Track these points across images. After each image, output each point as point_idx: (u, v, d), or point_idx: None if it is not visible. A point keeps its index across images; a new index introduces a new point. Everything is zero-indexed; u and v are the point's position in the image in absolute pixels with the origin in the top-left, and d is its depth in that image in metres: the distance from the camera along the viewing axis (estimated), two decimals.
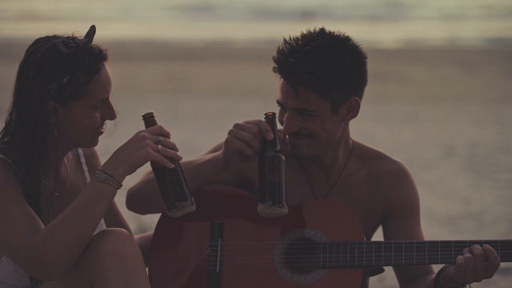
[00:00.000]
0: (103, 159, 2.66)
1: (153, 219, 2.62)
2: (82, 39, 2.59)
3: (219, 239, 2.80)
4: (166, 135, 2.58)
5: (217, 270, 2.77)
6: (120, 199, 2.95)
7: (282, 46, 2.79)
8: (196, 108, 12.53)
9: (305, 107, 2.77)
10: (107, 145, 3.02)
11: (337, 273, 2.75)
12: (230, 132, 2.73)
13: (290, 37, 2.80)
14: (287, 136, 2.83)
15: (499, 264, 2.70)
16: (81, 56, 2.54)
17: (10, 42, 18.87)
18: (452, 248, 2.73)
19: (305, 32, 2.82)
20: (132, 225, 3.66)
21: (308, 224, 2.82)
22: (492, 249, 2.69)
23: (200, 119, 11.40)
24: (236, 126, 2.73)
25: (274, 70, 2.80)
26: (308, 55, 2.74)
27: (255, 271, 2.78)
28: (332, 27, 2.85)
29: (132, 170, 2.52)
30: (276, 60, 2.79)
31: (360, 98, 2.85)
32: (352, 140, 2.99)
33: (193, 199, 2.59)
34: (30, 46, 2.59)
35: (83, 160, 2.84)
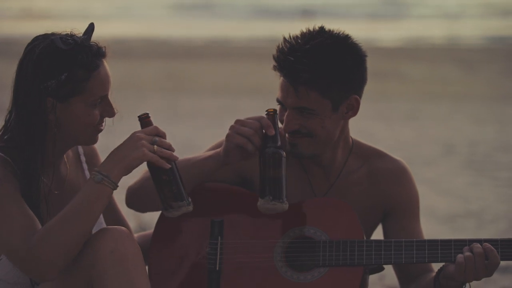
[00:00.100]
0: (103, 158, 2.66)
1: (153, 217, 2.62)
2: (80, 36, 2.59)
3: (219, 237, 2.80)
4: (162, 135, 2.58)
5: (217, 268, 2.77)
6: (120, 197, 2.95)
7: (282, 44, 2.79)
8: (196, 106, 12.53)
9: (305, 105, 2.77)
10: (107, 143, 3.02)
11: (337, 271, 2.75)
12: (231, 128, 2.73)
13: (290, 36, 2.80)
14: (286, 135, 2.83)
15: (499, 263, 2.70)
16: (79, 53, 2.54)
17: (10, 40, 18.88)
18: (452, 247, 2.73)
19: (304, 30, 2.82)
20: (132, 223, 3.66)
21: (308, 223, 2.82)
22: (492, 247, 2.68)
23: (200, 117, 11.39)
24: (238, 121, 2.73)
25: (274, 68, 2.80)
26: (308, 53, 2.74)
27: (255, 269, 2.78)
28: (332, 25, 2.85)
29: (128, 171, 2.53)
30: (276, 58, 2.79)
31: (360, 96, 2.85)
32: (352, 139, 2.99)
33: (190, 199, 2.59)
34: (29, 44, 2.59)
35: (83, 158, 2.84)
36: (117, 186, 2.52)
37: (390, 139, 9.66)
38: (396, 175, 2.96)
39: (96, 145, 2.85)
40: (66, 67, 2.53)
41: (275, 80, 2.86)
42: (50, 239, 2.45)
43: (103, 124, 2.64)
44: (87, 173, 2.82)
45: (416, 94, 13.74)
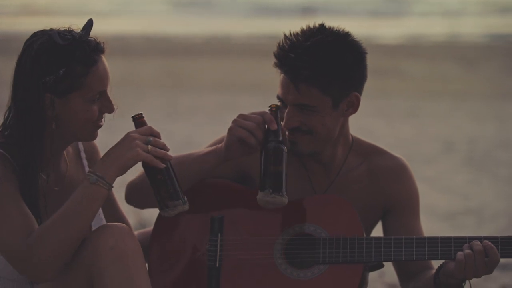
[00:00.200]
0: (103, 154, 2.66)
1: (152, 214, 2.62)
2: (78, 32, 2.59)
3: (219, 234, 2.80)
4: (156, 135, 2.57)
5: (217, 265, 2.77)
6: (119, 194, 2.95)
7: (282, 41, 2.79)
8: (195, 103, 12.53)
9: (306, 102, 2.77)
10: (107, 140, 3.01)
11: (337, 268, 2.75)
12: (234, 121, 2.73)
13: (290, 33, 2.80)
14: (286, 133, 2.83)
15: (499, 260, 2.70)
16: (77, 48, 2.54)
17: (9, 37, 18.87)
18: (452, 244, 2.72)
19: (305, 27, 2.81)
20: (131, 220, 3.64)
21: (308, 220, 2.82)
22: (492, 245, 2.68)
23: (200, 115, 11.39)
24: (240, 116, 2.73)
25: (275, 65, 2.81)
26: (309, 50, 2.74)
27: (255, 266, 2.78)
28: (332, 22, 2.85)
29: (122, 171, 2.53)
30: (277, 55, 2.79)
31: (360, 93, 2.85)
32: (352, 136, 2.99)
33: (185, 198, 2.59)
34: (28, 40, 2.59)
35: (83, 155, 2.84)
36: (112, 187, 2.53)
37: (390, 137, 9.67)
38: (396, 172, 2.96)
39: (96, 142, 2.85)
40: (64, 62, 2.53)
41: (275, 77, 2.86)
42: (46, 239, 2.45)
43: (103, 120, 2.64)
44: (87, 169, 2.82)
45: (416, 91, 13.74)
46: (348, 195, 2.90)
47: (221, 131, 2.89)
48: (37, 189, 2.56)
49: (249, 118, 2.71)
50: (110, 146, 2.56)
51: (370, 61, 2.86)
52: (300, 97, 2.77)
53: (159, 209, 2.60)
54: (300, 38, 2.77)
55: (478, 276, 2.69)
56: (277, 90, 2.83)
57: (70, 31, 2.58)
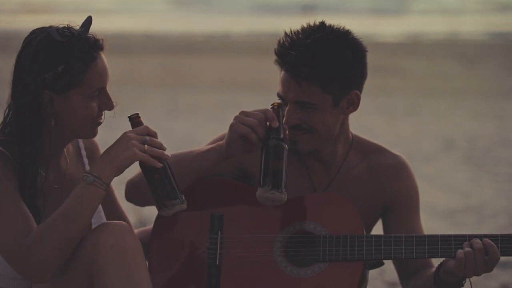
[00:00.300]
0: None
1: (153, 212, 2.62)
2: (77, 29, 2.59)
3: (219, 232, 2.80)
4: (153, 134, 2.57)
5: (217, 262, 2.77)
6: (119, 192, 2.95)
7: (283, 39, 2.79)
8: (196, 101, 12.53)
9: (307, 100, 2.77)
10: (107, 138, 3.02)
11: (337, 266, 2.75)
12: (235, 118, 2.73)
13: (291, 30, 2.80)
14: (287, 131, 2.82)
15: (499, 258, 2.69)
16: (76, 45, 2.54)
17: (9, 35, 18.87)
18: (452, 242, 2.72)
19: (305, 25, 2.81)
20: (132, 218, 3.66)
21: (308, 218, 2.82)
22: (492, 243, 2.68)
23: (200, 112, 11.40)
24: (242, 112, 2.73)
25: (276, 62, 2.81)
26: (310, 48, 2.74)
27: (255, 264, 2.78)
28: (332, 20, 2.85)
29: (119, 171, 2.53)
30: (277, 53, 2.79)
31: (361, 91, 2.85)
32: (352, 134, 2.99)
33: (183, 197, 2.59)
34: (27, 37, 2.59)
35: (84, 153, 2.84)
36: (110, 187, 2.53)
37: (390, 135, 9.67)
38: (396, 170, 2.96)
39: (96, 139, 2.85)
40: (63, 59, 2.53)
41: (275, 75, 2.86)
42: (45, 239, 2.45)
43: (102, 117, 2.64)
44: (87, 167, 2.82)
45: (416, 89, 13.75)
46: (348, 193, 2.90)
47: (221, 129, 2.89)
48: (36, 186, 2.56)
49: (251, 115, 2.71)
50: (111, 144, 2.56)
51: (370, 59, 2.87)
52: (301, 94, 2.77)
53: (157, 209, 2.60)
54: (300, 36, 2.77)
55: (478, 274, 2.69)
56: (278, 87, 2.83)
57: (69, 28, 2.58)
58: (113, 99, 2.62)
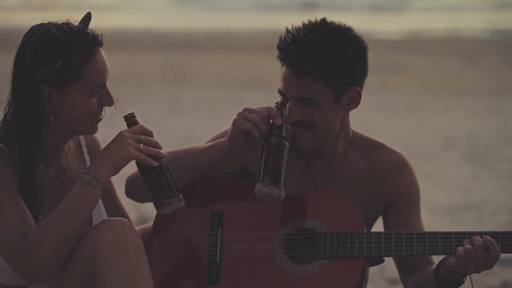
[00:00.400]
0: None
1: (153, 209, 2.62)
2: (77, 24, 2.59)
3: (219, 229, 2.80)
4: (148, 133, 2.57)
5: (217, 259, 2.78)
6: (120, 190, 2.95)
7: (284, 35, 2.79)
8: (197, 98, 12.53)
9: (309, 96, 2.77)
10: (107, 134, 3.02)
11: (337, 263, 2.75)
12: (239, 114, 2.73)
13: (292, 27, 2.80)
14: (289, 131, 2.82)
15: (500, 256, 2.70)
16: (74, 41, 2.54)
17: (10, 32, 18.86)
18: (452, 239, 2.73)
19: (306, 22, 2.82)
20: (132, 215, 3.67)
21: (308, 215, 2.82)
22: (493, 240, 2.68)
23: (201, 109, 11.40)
24: (246, 109, 2.73)
25: (278, 58, 2.81)
26: (312, 44, 2.74)
27: (255, 261, 2.79)
28: (333, 18, 2.85)
29: (115, 170, 2.53)
30: (279, 49, 2.79)
31: (361, 88, 2.85)
32: (352, 131, 2.99)
33: (181, 195, 2.59)
34: (26, 33, 2.59)
35: (85, 150, 2.84)
36: (106, 187, 2.53)
37: (391, 132, 9.67)
38: (397, 167, 2.96)
39: (97, 136, 2.85)
40: (62, 54, 2.53)
41: (276, 72, 2.86)
42: (43, 239, 2.45)
43: (102, 113, 2.64)
44: (88, 164, 2.82)
45: (417, 86, 13.74)
46: (348, 190, 2.90)
47: (223, 126, 2.90)
48: (35, 183, 2.56)
49: (255, 111, 2.72)
50: (110, 140, 2.56)
51: (371, 56, 2.87)
52: (303, 90, 2.77)
53: (155, 207, 2.60)
54: (302, 32, 2.78)
55: (478, 271, 2.70)
56: (279, 84, 2.83)
57: (67, 24, 2.58)
58: (113, 95, 2.62)
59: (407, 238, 2.76)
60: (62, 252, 2.48)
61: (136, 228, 2.91)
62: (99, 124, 2.66)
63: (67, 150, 2.75)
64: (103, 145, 2.77)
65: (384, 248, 2.76)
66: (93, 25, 2.61)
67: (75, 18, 2.61)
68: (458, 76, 14.98)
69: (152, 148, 2.55)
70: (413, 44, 19.98)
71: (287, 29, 2.80)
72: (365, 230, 2.81)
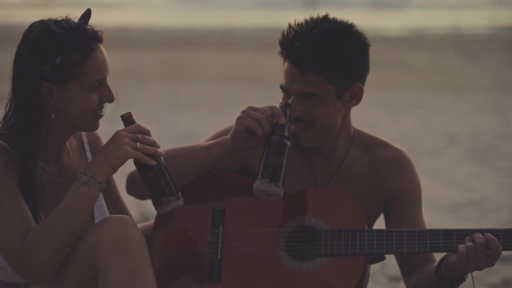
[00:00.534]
0: None
1: None
2: (76, 21, 2.58)
3: (221, 226, 2.79)
4: (145, 132, 2.57)
5: (219, 257, 2.77)
6: (122, 187, 2.94)
7: (287, 31, 2.79)
8: (197, 95, 12.53)
9: (311, 91, 2.77)
10: (108, 131, 3.01)
11: (339, 261, 2.74)
12: (243, 112, 2.73)
13: (295, 23, 2.80)
14: (292, 130, 2.82)
15: (501, 253, 2.69)
16: (74, 37, 2.53)
17: (10, 29, 18.87)
18: (453, 237, 2.72)
19: (308, 18, 2.81)
20: (134, 212, 3.67)
21: (310, 212, 2.82)
22: (494, 237, 2.68)
23: (202, 106, 11.39)
24: (250, 107, 2.73)
25: (281, 54, 2.80)
26: (315, 38, 2.74)
27: (257, 258, 2.78)
28: (335, 14, 2.85)
29: (113, 170, 2.53)
30: (282, 44, 2.79)
31: (363, 85, 2.85)
32: (354, 128, 2.98)
33: (179, 194, 2.58)
34: (26, 30, 2.59)
35: (87, 147, 2.84)
36: (104, 186, 2.53)
37: (393, 129, 9.66)
38: (398, 164, 2.96)
39: (99, 133, 2.84)
40: (61, 51, 2.53)
41: (277, 69, 2.85)
42: (43, 238, 2.45)
43: (103, 110, 2.63)
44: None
45: (419, 83, 13.74)
46: (350, 187, 2.89)
47: (223, 123, 2.89)
48: (35, 180, 2.56)
49: (259, 110, 2.72)
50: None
51: (373, 53, 2.87)
52: (306, 85, 2.77)
53: (154, 206, 2.59)
54: (305, 28, 2.78)
55: (480, 269, 2.69)
56: (281, 79, 2.83)
57: (67, 20, 2.58)
58: (113, 91, 2.62)
59: (408, 235, 2.75)
60: (62, 251, 2.48)
61: (138, 225, 2.90)
62: (101, 122, 2.66)
63: (69, 148, 2.74)
64: (104, 141, 2.77)
65: (385, 246, 2.76)
66: (93, 22, 2.61)
67: (75, 15, 2.61)
68: (460, 73, 14.98)
69: (149, 146, 2.54)
70: (415, 41, 19.98)
71: (289, 25, 2.80)
72: (366, 228, 2.80)
